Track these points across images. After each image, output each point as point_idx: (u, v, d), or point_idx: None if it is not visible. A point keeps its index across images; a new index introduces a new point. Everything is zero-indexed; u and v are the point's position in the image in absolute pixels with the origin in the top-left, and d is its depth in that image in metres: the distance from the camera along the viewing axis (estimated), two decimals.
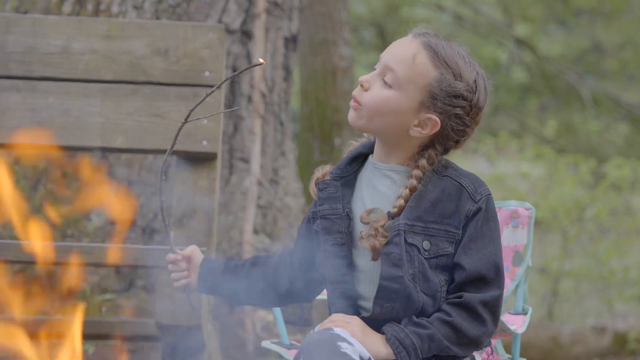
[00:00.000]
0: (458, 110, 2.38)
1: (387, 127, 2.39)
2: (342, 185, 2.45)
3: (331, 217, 2.43)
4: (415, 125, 2.38)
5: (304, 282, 2.56)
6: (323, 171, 2.49)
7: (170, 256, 2.63)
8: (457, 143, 2.42)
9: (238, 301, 2.66)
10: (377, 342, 2.32)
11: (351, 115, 2.42)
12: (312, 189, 2.49)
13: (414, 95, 2.37)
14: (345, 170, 2.47)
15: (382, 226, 2.36)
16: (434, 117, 2.37)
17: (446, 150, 2.43)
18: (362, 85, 2.39)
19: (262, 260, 2.63)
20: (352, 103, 2.41)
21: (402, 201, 2.37)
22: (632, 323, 6.23)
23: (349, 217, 2.43)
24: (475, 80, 2.40)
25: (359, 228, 2.42)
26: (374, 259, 2.37)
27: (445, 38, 2.43)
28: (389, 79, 2.36)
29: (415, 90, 2.36)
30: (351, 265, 2.42)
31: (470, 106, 2.39)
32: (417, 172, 2.38)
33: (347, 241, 2.41)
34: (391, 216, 2.37)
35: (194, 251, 2.65)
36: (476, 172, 2.48)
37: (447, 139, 2.40)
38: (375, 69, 2.41)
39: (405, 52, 2.37)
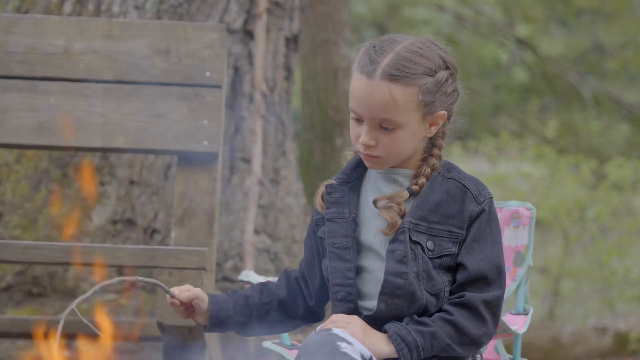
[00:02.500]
0: (450, 89, 2.39)
1: (409, 152, 2.40)
2: (349, 190, 2.45)
3: (338, 220, 2.42)
4: (427, 129, 2.39)
5: (317, 299, 2.55)
6: (329, 183, 2.49)
7: (168, 298, 2.51)
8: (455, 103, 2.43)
9: (250, 333, 2.58)
10: (379, 341, 2.32)
11: (373, 165, 2.41)
12: (319, 202, 2.48)
13: (416, 117, 2.36)
14: (351, 175, 2.47)
15: (404, 200, 2.37)
16: (441, 112, 2.39)
17: (449, 117, 2.42)
18: (369, 146, 2.36)
19: (269, 286, 2.57)
20: (368, 158, 2.39)
21: (423, 179, 2.38)
22: (633, 323, 6.23)
23: (355, 222, 2.43)
24: (439, 55, 2.38)
25: (365, 233, 2.43)
26: (387, 233, 2.37)
27: (380, 43, 2.37)
28: (388, 125, 2.35)
29: (414, 113, 2.35)
30: (356, 269, 2.41)
31: (451, 73, 2.40)
32: (435, 150, 2.41)
33: (352, 245, 2.41)
34: (412, 192, 2.38)
35: (197, 299, 2.50)
36: (477, 172, 2.50)
37: (452, 112, 2.42)
38: (357, 120, 2.37)
39: (380, 99, 2.33)
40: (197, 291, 2.50)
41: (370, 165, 2.42)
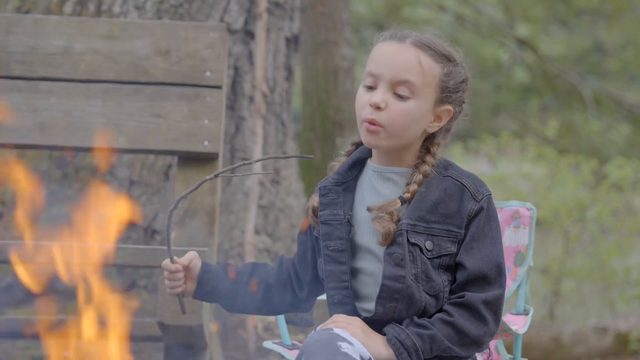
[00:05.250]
0: (461, 88, 2.41)
1: (410, 137, 2.38)
2: (344, 191, 2.45)
3: (332, 222, 2.42)
4: (431, 122, 2.39)
5: (308, 291, 2.55)
6: (323, 185, 2.48)
7: (171, 266, 2.49)
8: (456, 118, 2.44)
9: (234, 309, 2.59)
10: (379, 344, 2.32)
11: (371, 139, 2.37)
12: (311, 216, 2.49)
13: (430, 97, 2.37)
14: (346, 176, 2.46)
15: (396, 210, 2.35)
16: (449, 107, 2.39)
17: (447, 131, 2.43)
18: (378, 107, 2.34)
19: (261, 268, 2.58)
20: (370, 127, 2.35)
21: (415, 186, 2.37)
22: (634, 323, 6.23)
23: (349, 223, 2.42)
24: (460, 56, 2.43)
25: (361, 234, 2.42)
26: (383, 244, 2.35)
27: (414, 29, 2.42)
28: (404, 91, 2.34)
29: (431, 92, 2.36)
30: (351, 271, 2.41)
31: (467, 78, 2.43)
32: (429, 157, 2.40)
33: (347, 247, 2.40)
34: (403, 201, 2.37)
35: (194, 260, 2.52)
36: (478, 172, 2.48)
37: (453, 119, 2.42)
38: (370, 86, 2.37)
39: (408, 59, 2.34)
40: (194, 254, 2.52)
41: (368, 139, 2.37)
